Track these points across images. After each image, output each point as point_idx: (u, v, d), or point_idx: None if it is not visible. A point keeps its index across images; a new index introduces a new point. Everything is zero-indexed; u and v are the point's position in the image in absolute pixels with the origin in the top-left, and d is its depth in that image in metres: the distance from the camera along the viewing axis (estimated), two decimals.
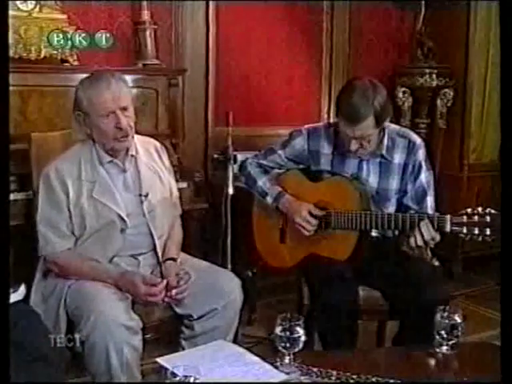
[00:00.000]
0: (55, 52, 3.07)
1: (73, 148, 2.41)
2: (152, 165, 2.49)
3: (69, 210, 2.30)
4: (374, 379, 1.83)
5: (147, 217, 2.39)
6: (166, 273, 2.38)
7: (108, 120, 2.28)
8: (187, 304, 2.36)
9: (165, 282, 2.29)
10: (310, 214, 2.56)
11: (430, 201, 2.57)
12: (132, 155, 2.42)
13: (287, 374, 1.83)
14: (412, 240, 2.35)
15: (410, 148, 2.56)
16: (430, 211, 2.51)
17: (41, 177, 2.35)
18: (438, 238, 2.34)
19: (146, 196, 2.40)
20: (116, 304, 2.17)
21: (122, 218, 2.33)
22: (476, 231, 2.22)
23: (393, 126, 2.62)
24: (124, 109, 2.30)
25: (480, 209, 2.23)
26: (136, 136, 2.47)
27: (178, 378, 1.63)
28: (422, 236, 2.32)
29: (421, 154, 2.57)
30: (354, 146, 2.45)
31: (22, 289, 1.95)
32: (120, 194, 2.36)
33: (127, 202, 2.37)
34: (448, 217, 2.28)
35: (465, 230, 2.24)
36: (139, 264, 2.40)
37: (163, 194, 2.49)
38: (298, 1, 4.12)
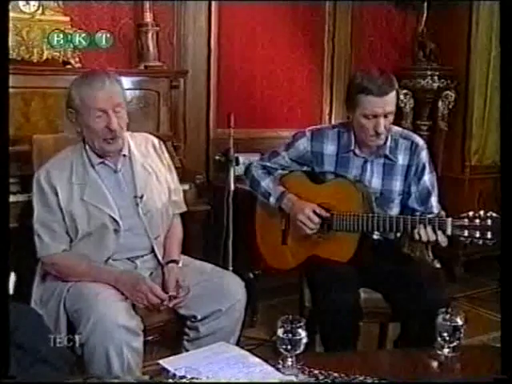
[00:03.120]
0: (57, 54, 3.07)
1: (64, 151, 2.40)
2: (148, 163, 2.46)
3: (61, 211, 2.29)
4: (375, 381, 1.83)
5: (143, 218, 2.37)
6: (167, 275, 2.37)
7: (99, 120, 2.25)
8: (191, 305, 2.35)
9: (166, 296, 2.29)
10: (314, 212, 2.56)
11: (434, 201, 2.58)
12: (124, 155, 2.40)
13: (289, 375, 1.83)
14: (416, 235, 2.36)
15: (413, 149, 2.57)
16: (435, 210, 2.53)
17: (33, 180, 2.35)
18: (443, 239, 2.34)
19: (142, 197, 2.37)
20: (116, 305, 2.16)
21: (115, 220, 2.31)
22: (477, 234, 2.22)
23: (396, 127, 2.63)
24: (116, 109, 2.27)
25: (482, 212, 2.22)
26: (132, 134, 2.46)
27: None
28: (426, 233, 2.33)
29: (424, 155, 2.58)
30: (382, 126, 2.43)
31: (12, 277, 1.95)
32: (112, 196, 2.34)
33: (120, 204, 2.35)
34: (449, 220, 2.28)
35: (466, 233, 2.24)
36: (136, 267, 2.38)
37: (160, 193, 2.46)
38: (299, 1, 4.12)
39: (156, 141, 2.56)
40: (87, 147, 2.34)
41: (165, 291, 2.30)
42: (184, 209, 2.61)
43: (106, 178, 2.35)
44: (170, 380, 1.67)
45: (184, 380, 1.64)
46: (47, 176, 2.30)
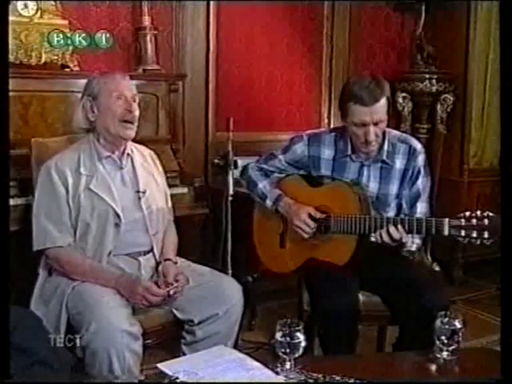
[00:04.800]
0: (56, 57, 3.07)
1: (73, 145, 2.48)
2: (147, 166, 2.55)
3: (68, 204, 2.33)
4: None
5: (145, 213, 2.42)
6: (165, 270, 2.40)
7: (120, 102, 2.37)
8: (188, 309, 2.37)
9: (165, 291, 2.30)
10: (310, 216, 2.56)
11: (420, 206, 2.58)
12: (128, 154, 2.47)
13: (288, 379, 1.82)
14: (378, 236, 2.38)
15: (411, 154, 2.57)
16: (418, 215, 2.52)
17: (41, 171, 2.39)
18: (404, 238, 2.38)
19: (144, 193, 2.44)
20: (118, 310, 2.18)
21: (116, 213, 2.35)
22: (474, 234, 2.21)
23: (394, 131, 2.63)
24: (134, 99, 2.42)
25: (479, 212, 2.22)
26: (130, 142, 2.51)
27: None
28: (390, 235, 2.36)
29: (421, 159, 2.58)
30: (372, 135, 2.43)
31: None
32: (117, 190, 2.39)
33: (124, 198, 2.40)
34: (446, 220, 2.28)
35: (463, 233, 2.23)
36: (140, 265, 2.41)
37: (159, 193, 2.55)
38: (298, 1, 4.12)
39: (152, 152, 2.65)
40: (96, 141, 2.41)
41: (165, 283, 2.33)
42: (173, 217, 2.66)
43: (111, 173, 2.42)
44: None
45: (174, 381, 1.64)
46: (56, 166, 2.35)
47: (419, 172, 2.58)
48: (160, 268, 2.42)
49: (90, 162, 2.39)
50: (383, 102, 2.42)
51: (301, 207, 2.58)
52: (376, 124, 2.43)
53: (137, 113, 2.41)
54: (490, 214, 2.20)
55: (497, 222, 2.15)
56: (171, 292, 2.31)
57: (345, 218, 2.47)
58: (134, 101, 2.41)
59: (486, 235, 2.19)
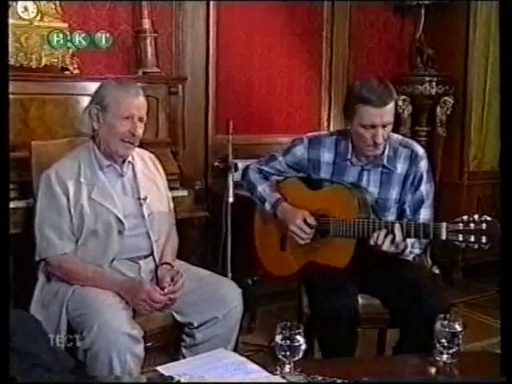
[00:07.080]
0: (56, 60, 3.08)
1: (72, 152, 2.47)
2: (147, 172, 2.55)
3: (69, 212, 2.33)
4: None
5: (146, 219, 2.42)
6: (161, 275, 2.40)
7: (126, 122, 2.35)
8: (188, 312, 2.38)
9: (165, 297, 2.31)
10: (305, 222, 2.56)
11: (423, 213, 2.56)
12: (129, 161, 2.47)
13: (287, 382, 1.82)
14: (380, 240, 2.36)
15: (413, 159, 2.56)
16: (420, 221, 2.50)
17: (41, 179, 2.39)
18: (402, 243, 2.36)
19: (145, 199, 2.44)
20: (119, 313, 2.18)
21: (120, 220, 2.36)
22: (472, 239, 2.20)
23: (395, 135, 2.61)
24: (141, 120, 2.39)
25: (476, 216, 2.21)
26: None
27: None
28: (393, 240, 2.34)
29: (423, 165, 2.57)
30: (380, 137, 2.42)
31: None
32: (118, 197, 2.40)
33: (126, 205, 2.41)
34: (444, 224, 2.27)
35: (461, 238, 2.22)
36: (140, 269, 2.42)
37: (160, 199, 2.55)
38: (299, 1, 4.13)
39: (152, 155, 2.66)
40: (96, 149, 2.41)
41: (160, 287, 2.34)
42: (174, 220, 2.66)
43: (112, 181, 2.43)
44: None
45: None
46: (57, 175, 2.35)
47: (422, 177, 2.56)
48: (158, 271, 2.43)
49: (90, 171, 2.39)
50: (392, 104, 2.43)
51: (297, 212, 2.58)
52: (384, 126, 2.43)
53: (140, 133, 2.39)
54: (488, 218, 2.19)
55: (495, 227, 2.14)
56: (168, 290, 2.32)
57: (344, 222, 2.47)
58: (141, 120, 2.39)
59: (483, 240, 2.18)
